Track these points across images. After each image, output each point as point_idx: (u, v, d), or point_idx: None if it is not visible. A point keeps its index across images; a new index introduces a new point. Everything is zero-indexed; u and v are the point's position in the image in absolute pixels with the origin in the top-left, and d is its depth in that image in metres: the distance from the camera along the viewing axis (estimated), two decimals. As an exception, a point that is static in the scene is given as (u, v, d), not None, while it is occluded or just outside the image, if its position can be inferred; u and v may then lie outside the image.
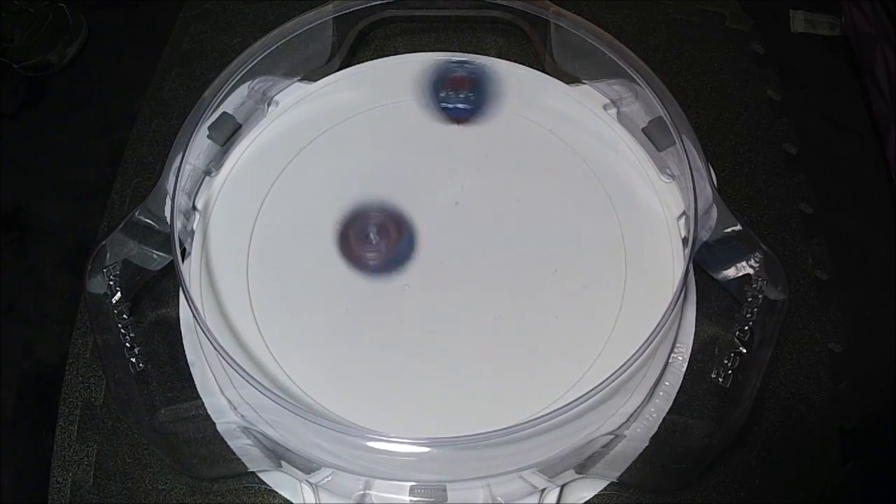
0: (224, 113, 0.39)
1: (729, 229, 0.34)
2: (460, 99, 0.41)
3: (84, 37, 0.51)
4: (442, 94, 0.41)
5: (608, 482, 0.35)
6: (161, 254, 0.35)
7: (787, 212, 0.43)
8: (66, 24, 0.50)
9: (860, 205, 0.45)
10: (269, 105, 0.41)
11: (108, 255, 0.33)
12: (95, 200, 0.44)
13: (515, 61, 0.42)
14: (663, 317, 0.31)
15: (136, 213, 0.34)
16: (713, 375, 0.32)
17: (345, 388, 0.33)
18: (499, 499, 0.32)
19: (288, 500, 0.35)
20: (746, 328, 0.32)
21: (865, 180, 0.46)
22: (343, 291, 0.36)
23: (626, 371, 0.30)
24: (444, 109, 0.40)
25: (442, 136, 0.40)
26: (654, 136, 0.38)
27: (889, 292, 0.42)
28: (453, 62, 0.42)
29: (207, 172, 0.39)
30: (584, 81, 0.42)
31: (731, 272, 0.35)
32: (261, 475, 0.36)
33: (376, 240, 0.37)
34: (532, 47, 0.46)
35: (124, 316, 0.32)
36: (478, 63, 0.42)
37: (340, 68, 0.42)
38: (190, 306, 0.32)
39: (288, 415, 0.29)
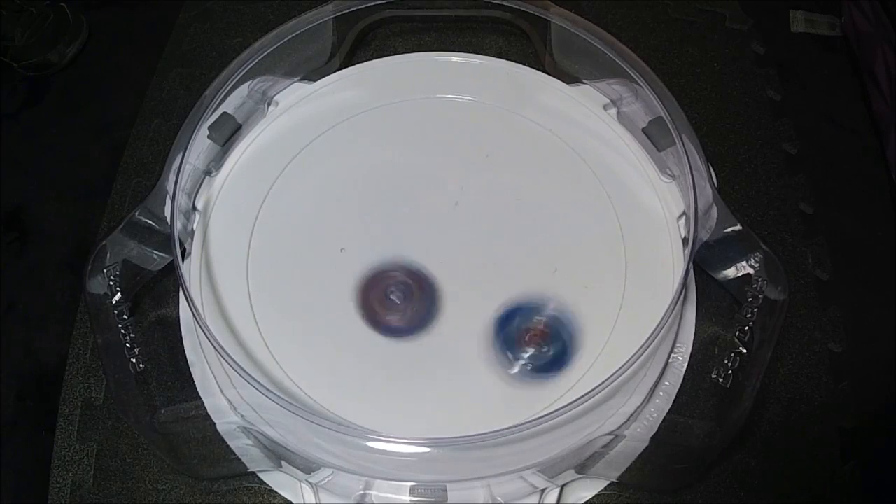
0: (224, 113, 0.39)
1: (729, 229, 0.34)
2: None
3: (84, 37, 0.51)
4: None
5: (608, 482, 0.35)
6: (161, 254, 0.35)
7: (787, 212, 0.43)
8: (67, 23, 0.50)
9: (860, 205, 0.45)
10: (269, 105, 0.41)
11: (108, 255, 0.33)
12: (95, 200, 0.44)
13: (515, 61, 0.42)
14: (663, 317, 0.31)
15: (136, 213, 0.34)
16: (713, 375, 0.32)
17: (345, 388, 0.33)
18: (499, 499, 0.32)
19: (288, 500, 0.35)
20: (746, 328, 0.32)
21: (865, 180, 0.46)
22: (343, 291, 0.35)
23: (626, 371, 0.30)
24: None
25: (442, 136, 0.40)
26: (654, 136, 0.38)
27: (889, 292, 0.42)
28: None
29: (207, 172, 0.39)
30: (584, 81, 0.42)
31: (731, 272, 0.35)
32: (261, 475, 0.36)
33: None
34: (532, 47, 0.46)
35: (124, 316, 0.32)
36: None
37: (340, 68, 0.42)
38: (190, 306, 0.32)
39: (288, 415, 0.29)
